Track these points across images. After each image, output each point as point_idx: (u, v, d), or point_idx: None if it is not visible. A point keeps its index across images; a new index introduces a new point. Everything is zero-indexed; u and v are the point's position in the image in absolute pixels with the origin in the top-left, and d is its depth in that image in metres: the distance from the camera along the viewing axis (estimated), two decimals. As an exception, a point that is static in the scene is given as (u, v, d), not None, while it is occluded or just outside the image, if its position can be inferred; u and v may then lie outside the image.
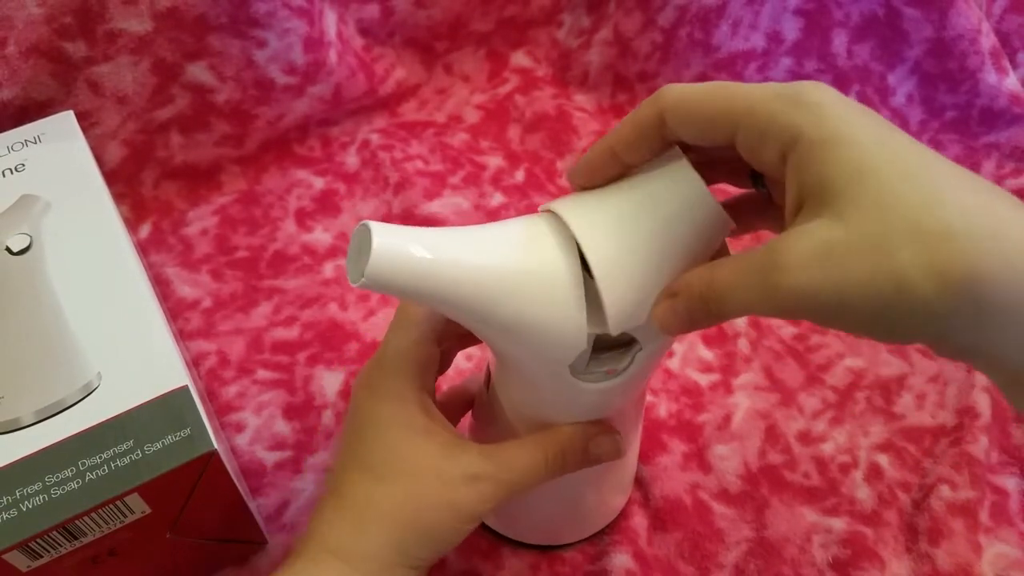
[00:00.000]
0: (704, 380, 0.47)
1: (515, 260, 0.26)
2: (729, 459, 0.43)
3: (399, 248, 0.25)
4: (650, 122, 0.25)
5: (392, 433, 0.29)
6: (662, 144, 0.26)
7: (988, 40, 0.55)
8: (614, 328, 0.26)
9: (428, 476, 0.29)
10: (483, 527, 0.40)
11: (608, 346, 0.28)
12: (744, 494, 0.42)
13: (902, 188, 0.21)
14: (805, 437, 0.45)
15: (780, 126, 0.23)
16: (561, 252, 0.26)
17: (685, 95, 0.25)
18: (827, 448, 0.44)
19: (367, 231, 0.24)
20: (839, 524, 0.41)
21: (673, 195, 0.26)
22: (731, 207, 0.30)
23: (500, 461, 0.30)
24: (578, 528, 0.40)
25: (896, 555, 0.41)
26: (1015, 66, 0.57)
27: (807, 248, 0.22)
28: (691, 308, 0.25)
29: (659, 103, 0.25)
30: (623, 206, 0.26)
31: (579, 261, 0.26)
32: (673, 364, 0.47)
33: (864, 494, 0.42)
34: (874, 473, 0.43)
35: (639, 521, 0.41)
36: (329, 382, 0.46)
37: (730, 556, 0.40)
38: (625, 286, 0.26)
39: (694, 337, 0.48)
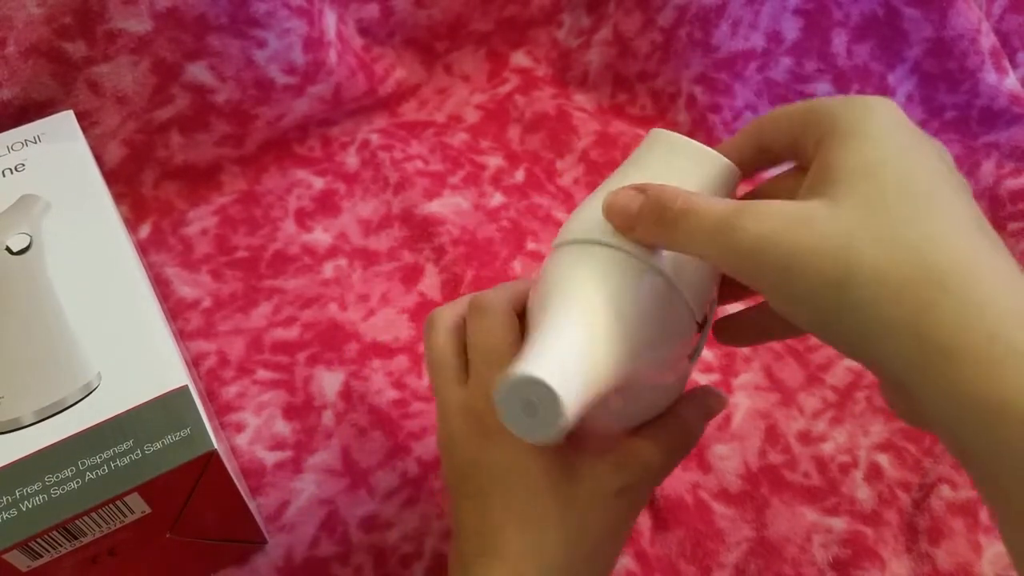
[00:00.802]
0: (704, 380, 0.47)
1: (624, 306, 0.26)
2: (729, 459, 0.43)
3: (577, 384, 0.23)
4: (753, 125, 0.28)
5: (538, 478, 0.28)
6: (756, 148, 0.28)
7: (988, 40, 0.55)
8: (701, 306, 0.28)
9: (585, 508, 0.28)
10: None
11: None
12: (744, 494, 0.42)
13: (895, 197, 0.22)
14: (805, 437, 0.45)
15: (824, 114, 0.24)
16: (630, 269, 0.26)
17: (783, 107, 0.27)
18: (827, 448, 0.44)
19: (543, 386, 0.22)
20: (839, 524, 0.41)
21: (679, 160, 0.28)
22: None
23: (634, 465, 0.29)
24: None
25: (896, 555, 0.41)
26: (1015, 66, 0.57)
27: (782, 207, 0.23)
28: (647, 208, 0.25)
29: (766, 114, 0.28)
30: None
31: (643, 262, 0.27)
32: (673, 364, 0.47)
33: (864, 494, 0.42)
34: (874, 473, 0.43)
35: (641, 520, 0.41)
36: (329, 382, 0.46)
37: (731, 556, 0.40)
38: (686, 265, 0.27)
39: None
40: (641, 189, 0.26)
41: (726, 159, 0.28)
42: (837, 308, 0.21)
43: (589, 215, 0.28)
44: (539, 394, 0.22)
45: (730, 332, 0.32)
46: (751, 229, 0.22)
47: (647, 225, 0.25)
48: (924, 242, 0.21)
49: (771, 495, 0.42)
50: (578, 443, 0.29)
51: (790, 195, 0.26)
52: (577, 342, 0.24)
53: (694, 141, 0.28)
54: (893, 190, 0.22)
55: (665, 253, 0.27)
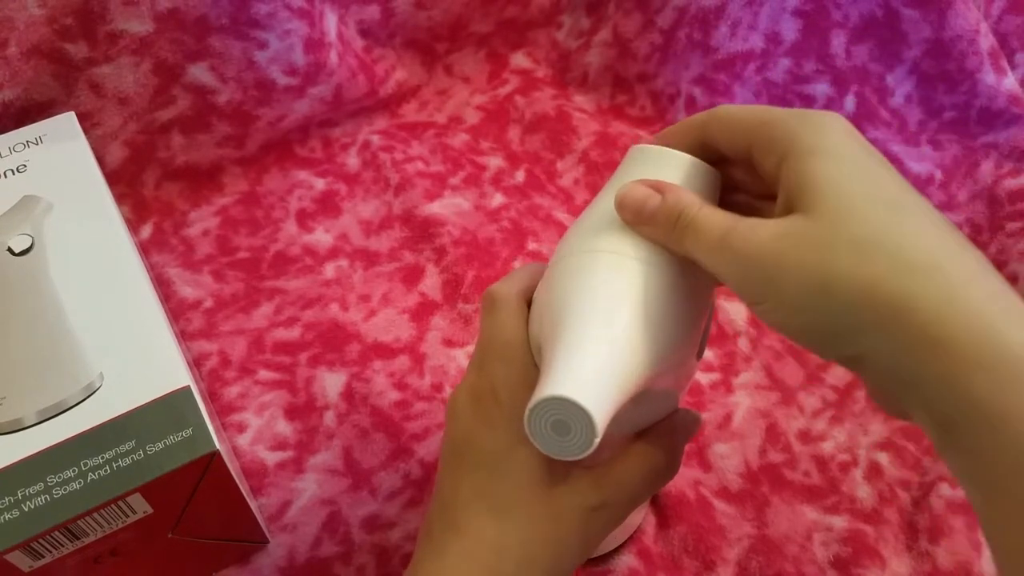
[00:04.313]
0: (705, 379, 0.47)
1: (640, 313, 0.26)
2: (730, 458, 0.44)
3: (606, 400, 0.23)
4: (697, 123, 0.29)
5: (520, 471, 0.28)
6: (698, 144, 0.29)
7: (987, 40, 0.55)
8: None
9: (558, 513, 0.28)
10: None
11: None
12: (745, 492, 0.42)
13: (865, 206, 0.23)
14: (805, 436, 0.45)
15: (783, 134, 0.25)
16: (641, 273, 0.27)
17: (731, 110, 0.28)
18: (827, 447, 0.44)
19: (574, 405, 0.22)
20: (840, 522, 0.42)
21: (665, 170, 0.28)
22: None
23: (615, 485, 0.29)
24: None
25: (896, 553, 0.41)
26: (1013, 66, 0.57)
27: (768, 227, 0.24)
28: (663, 212, 0.26)
29: (711, 113, 0.28)
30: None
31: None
32: (673, 364, 0.47)
33: (864, 492, 0.43)
34: (874, 471, 0.43)
35: (645, 519, 0.41)
36: (330, 383, 0.46)
37: (733, 552, 0.40)
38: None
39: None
40: (659, 189, 0.27)
41: (708, 165, 0.28)
42: (822, 312, 0.23)
43: (588, 228, 0.28)
44: (570, 414, 0.22)
45: None
46: (740, 249, 0.24)
47: (660, 226, 0.27)
48: (898, 241, 0.23)
49: (771, 494, 0.42)
50: None
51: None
52: (602, 356, 0.24)
53: (676, 151, 0.28)
54: (861, 200, 0.24)
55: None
